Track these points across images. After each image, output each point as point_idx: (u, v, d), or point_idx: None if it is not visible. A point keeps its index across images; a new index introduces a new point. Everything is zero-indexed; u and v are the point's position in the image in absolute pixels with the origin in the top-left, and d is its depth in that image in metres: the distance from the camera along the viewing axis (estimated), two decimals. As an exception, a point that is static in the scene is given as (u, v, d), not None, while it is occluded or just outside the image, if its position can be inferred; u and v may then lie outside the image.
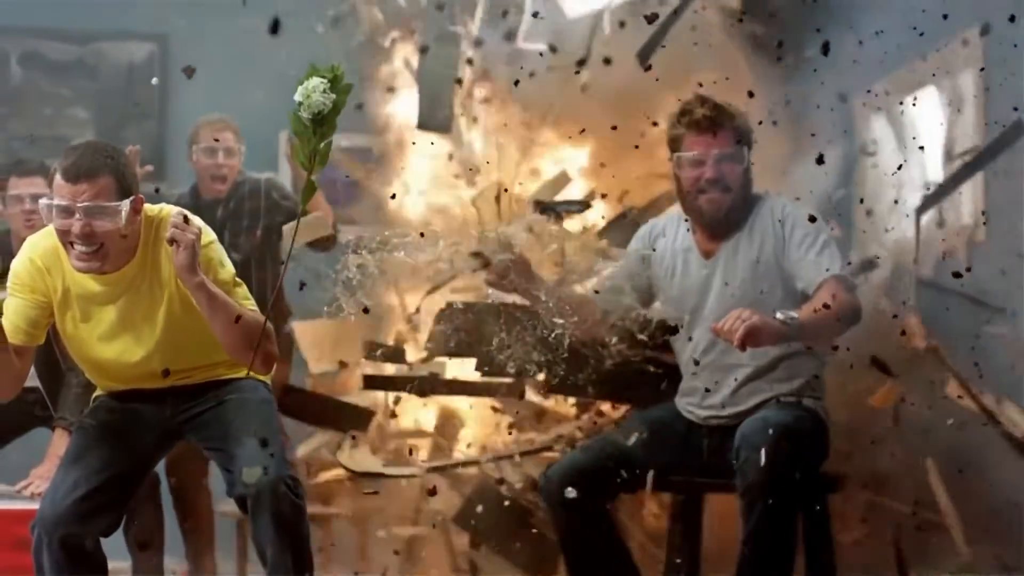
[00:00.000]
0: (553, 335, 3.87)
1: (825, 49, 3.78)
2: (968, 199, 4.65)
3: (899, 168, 4.52)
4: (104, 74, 6.22)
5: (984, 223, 4.56)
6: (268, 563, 3.39)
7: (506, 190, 4.64)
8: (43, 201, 3.40)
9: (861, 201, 4.80)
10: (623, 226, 4.60)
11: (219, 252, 3.48)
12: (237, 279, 3.51)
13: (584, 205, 4.77)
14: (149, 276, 3.47)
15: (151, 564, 4.51)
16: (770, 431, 3.69)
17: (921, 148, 4.68)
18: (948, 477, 4.30)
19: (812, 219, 3.87)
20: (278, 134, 5.95)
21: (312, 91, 3.13)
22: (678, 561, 4.03)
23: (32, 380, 4.66)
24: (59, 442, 4.44)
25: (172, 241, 3.33)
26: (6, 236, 4.78)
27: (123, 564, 4.38)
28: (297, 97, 3.15)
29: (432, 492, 4.02)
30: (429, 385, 4.49)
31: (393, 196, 5.14)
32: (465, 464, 4.65)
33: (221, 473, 3.50)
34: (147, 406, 3.59)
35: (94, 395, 3.71)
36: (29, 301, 3.49)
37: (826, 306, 3.66)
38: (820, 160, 3.94)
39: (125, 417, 3.59)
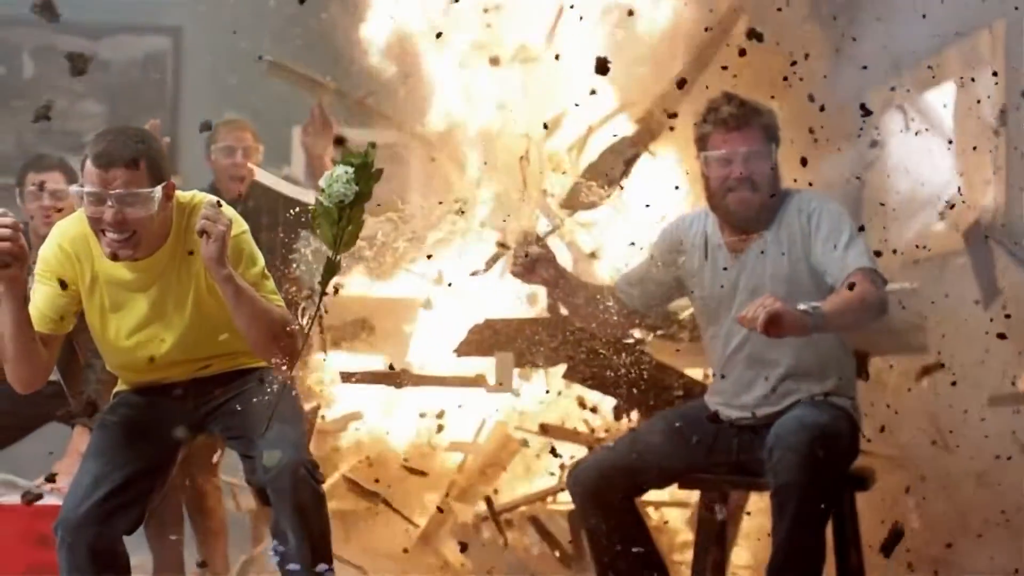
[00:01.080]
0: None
1: None
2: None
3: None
4: (117, 67, 6.20)
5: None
6: (286, 549, 3.32)
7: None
8: (74, 188, 3.35)
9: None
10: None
11: (250, 244, 3.43)
12: (266, 271, 3.45)
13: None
14: (179, 263, 3.41)
15: (172, 561, 4.50)
16: (805, 431, 3.65)
17: (949, 142, 4.65)
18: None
19: (839, 213, 3.83)
20: (292, 128, 5.94)
21: (335, 180, 3.10)
22: (705, 561, 3.99)
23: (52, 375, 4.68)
24: (80, 437, 4.43)
25: (202, 232, 3.27)
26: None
27: (143, 559, 4.36)
28: (321, 183, 3.13)
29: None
30: (405, 378, 4.52)
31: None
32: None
33: (242, 462, 3.46)
34: (168, 399, 3.53)
35: (114, 390, 3.65)
36: (57, 289, 3.42)
37: (850, 290, 3.62)
38: (803, 162, 3.93)
39: (146, 412, 3.53)
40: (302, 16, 5.41)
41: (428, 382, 4.60)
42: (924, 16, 4.36)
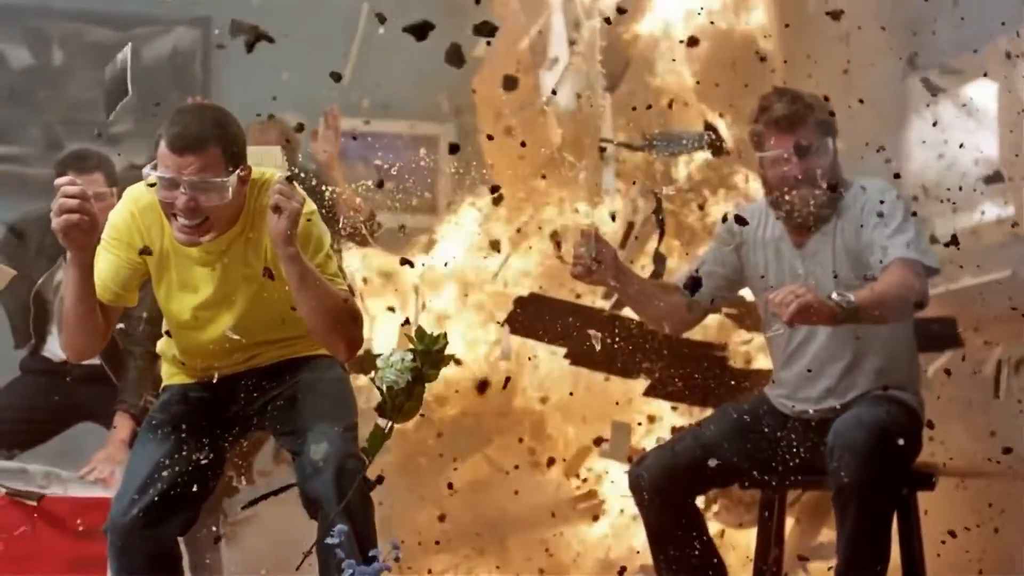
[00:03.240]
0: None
1: None
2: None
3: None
4: (146, 58, 6.16)
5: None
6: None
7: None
8: (146, 170, 3.22)
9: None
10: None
11: (318, 226, 3.32)
12: (330, 252, 3.35)
13: (703, 142, 4.66)
14: (247, 243, 3.31)
15: (210, 561, 4.49)
16: (864, 430, 3.63)
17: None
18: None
19: (892, 200, 3.79)
20: (317, 120, 5.90)
21: (390, 364, 3.04)
22: (765, 558, 3.97)
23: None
24: (121, 425, 4.43)
25: (275, 207, 3.16)
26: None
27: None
28: (378, 362, 3.07)
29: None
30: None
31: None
32: None
33: (293, 461, 3.35)
34: (218, 395, 3.43)
35: (162, 385, 3.55)
36: (123, 259, 3.32)
37: (882, 291, 3.60)
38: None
39: (195, 408, 3.43)
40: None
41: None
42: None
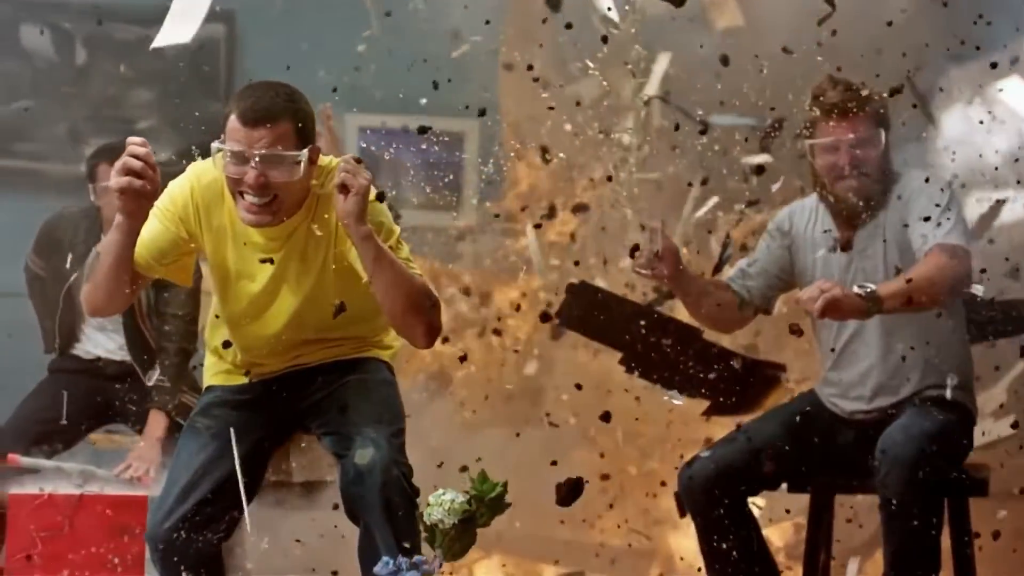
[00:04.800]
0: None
1: None
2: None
3: None
4: (170, 54, 6.14)
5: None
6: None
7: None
8: (215, 144, 3.15)
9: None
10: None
11: (385, 212, 3.23)
12: (401, 239, 3.25)
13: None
14: (309, 232, 3.23)
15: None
16: (913, 444, 3.60)
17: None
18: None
19: (935, 191, 3.75)
20: (343, 116, 5.89)
21: (440, 503, 2.91)
22: (815, 561, 3.95)
23: (112, 355, 4.67)
24: (155, 423, 4.43)
25: (343, 187, 3.07)
26: (94, 213, 4.72)
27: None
28: (430, 498, 2.96)
29: None
30: None
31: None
32: None
33: (337, 464, 3.28)
34: (261, 396, 3.37)
35: (205, 385, 3.48)
36: (168, 231, 3.25)
37: (908, 280, 3.55)
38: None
39: (238, 412, 3.36)
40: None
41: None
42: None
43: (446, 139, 5.66)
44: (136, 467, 4.35)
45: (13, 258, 4.86)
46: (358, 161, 3.11)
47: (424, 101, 5.34)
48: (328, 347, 3.38)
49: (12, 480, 4.19)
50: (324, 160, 3.24)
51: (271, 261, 3.23)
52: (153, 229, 3.23)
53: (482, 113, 4.20)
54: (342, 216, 3.09)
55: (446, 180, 5.68)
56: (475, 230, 5.58)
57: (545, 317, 4.43)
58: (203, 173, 3.25)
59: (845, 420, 3.88)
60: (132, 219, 3.12)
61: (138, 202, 3.09)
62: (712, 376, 4.12)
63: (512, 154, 5.39)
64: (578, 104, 4.72)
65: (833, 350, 3.89)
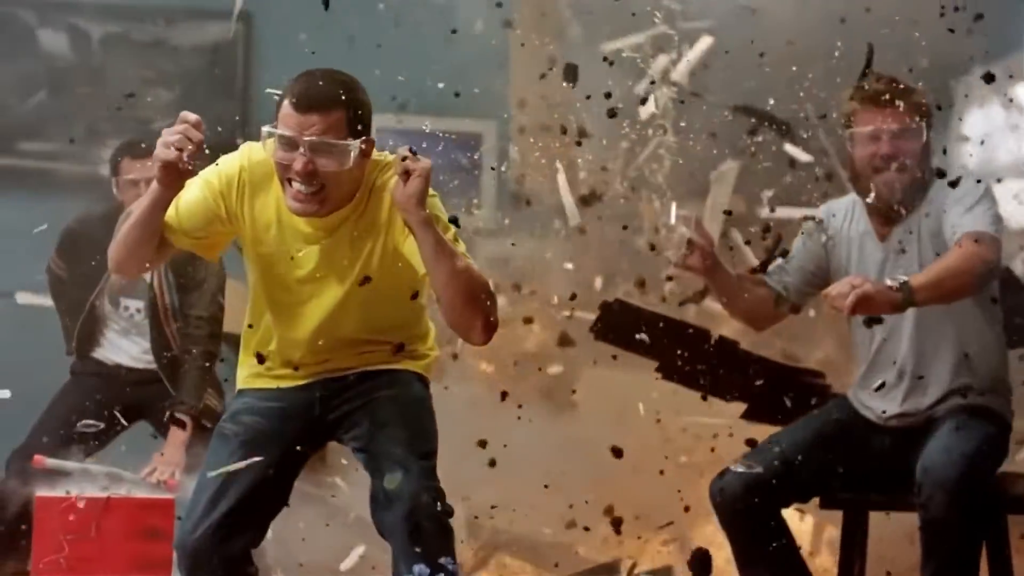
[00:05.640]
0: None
1: None
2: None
3: None
4: (187, 54, 6.16)
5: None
6: None
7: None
8: (266, 129, 3.10)
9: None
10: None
11: (442, 209, 3.17)
12: (458, 236, 3.17)
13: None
14: (355, 226, 3.16)
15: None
16: (954, 467, 3.56)
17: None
18: None
19: (972, 183, 3.72)
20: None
21: None
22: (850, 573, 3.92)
23: (136, 362, 4.68)
24: (179, 429, 4.42)
25: (404, 172, 3.00)
26: (115, 216, 4.73)
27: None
28: None
29: None
30: None
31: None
32: None
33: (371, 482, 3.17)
34: (293, 405, 3.29)
35: (237, 389, 3.40)
36: (206, 205, 3.17)
37: (938, 269, 3.52)
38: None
39: (269, 419, 3.27)
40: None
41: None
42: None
43: (464, 139, 5.67)
44: (161, 471, 4.36)
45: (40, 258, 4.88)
46: (414, 153, 3.05)
47: (443, 102, 5.38)
48: (363, 352, 3.30)
49: (40, 482, 4.21)
50: (379, 155, 3.19)
51: (315, 250, 3.19)
52: (192, 199, 3.18)
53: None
54: (402, 200, 3.02)
55: (462, 181, 5.68)
56: (494, 232, 5.58)
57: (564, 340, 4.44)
58: (255, 153, 3.19)
59: (878, 427, 3.85)
60: (167, 190, 3.08)
61: (175, 176, 3.04)
62: (750, 383, 4.12)
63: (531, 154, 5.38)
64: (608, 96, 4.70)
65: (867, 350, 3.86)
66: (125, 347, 4.71)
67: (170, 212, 3.16)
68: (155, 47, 6.14)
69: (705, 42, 4.91)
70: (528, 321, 5.06)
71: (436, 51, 5.20)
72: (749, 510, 3.76)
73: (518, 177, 5.51)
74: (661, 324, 4.22)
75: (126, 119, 5.97)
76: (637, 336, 4.15)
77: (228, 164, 3.20)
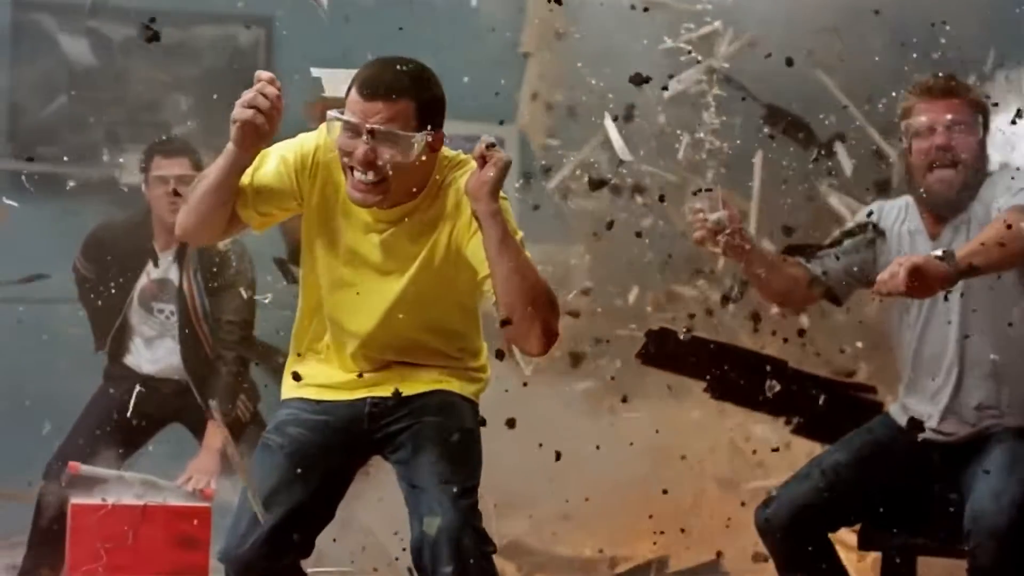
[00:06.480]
0: None
1: None
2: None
3: None
4: (207, 59, 6.15)
5: None
6: None
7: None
8: (331, 112, 3.01)
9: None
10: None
11: (511, 210, 3.06)
12: (524, 242, 3.04)
13: None
14: (422, 220, 3.07)
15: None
16: (1005, 514, 3.49)
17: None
18: None
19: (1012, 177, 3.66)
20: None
21: None
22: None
23: (168, 370, 4.67)
24: (212, 434, 4.42)
25: (481, 158, 2.91)
26: (140, 223, 4.74)
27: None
28: None
29: None
30: None
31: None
32: None
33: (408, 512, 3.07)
34: (341, 419, 3.18)
35: (283, 398, 3.28)
36: (280, 178, 3.09)
37: (981, 242, 3.43)
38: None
39: (315, 432, 3.16)
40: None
41: None
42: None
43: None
44: (197, 479, 4.35)
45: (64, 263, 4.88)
46: (493, 146, 2.96)
47: (466, 105, 5.36)
48: (418, 356, 3.20)
49: (76, 489, 4.20)
50: (450, 152, 3.11)
51: (376, 241, 3.11)
52: (267, 171, 3.10)
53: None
54: (475, 187, 2.92)
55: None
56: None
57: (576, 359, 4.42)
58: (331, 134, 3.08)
59: (923, 444, 3.77)
60: (242, 151, 2.99)
61: (254, 138, 2.97)
62: (802, 400, 4.08)
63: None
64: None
65: (907, 353, 3.81)
66: (159, 355, 4.71)
67: (244, 184, 3.08)
68: (176, 51, 6.12)
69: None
70: None
71: (458, 53, 5.18)
72: (797, 537, 3.69)
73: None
74: (709, 348, 4.18)
75: (145, 124, 5.97)
76: (683, 359, 4.13)
77: (305, 142, 3.13)
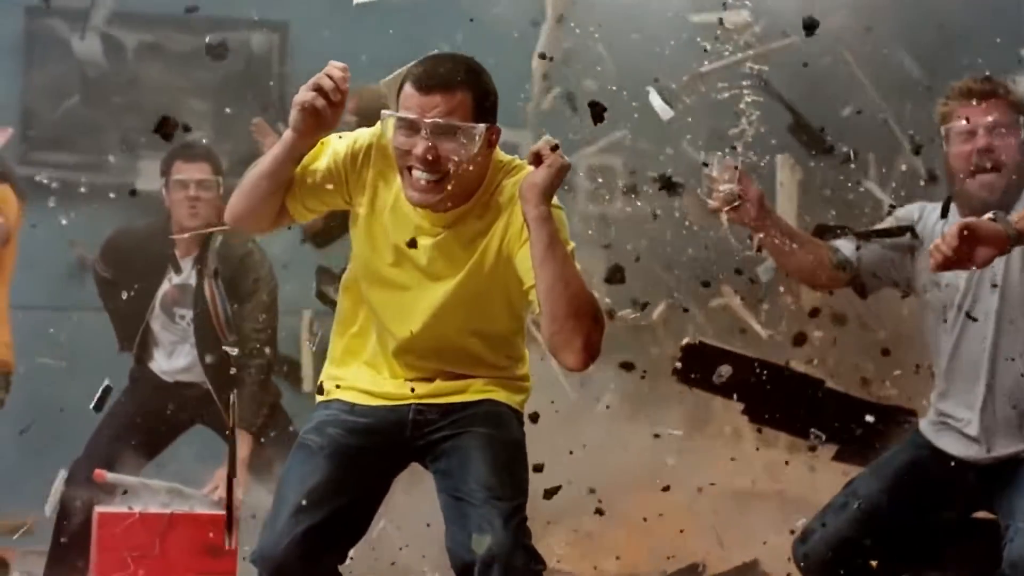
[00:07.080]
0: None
1: None
2: None
3: None
4: (222, 64, 6.11)
5: None
6: None
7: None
8: (386, 112, 2.93)
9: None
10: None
11: (565, 220, 2.98)
12: (574, 253, 2.96)
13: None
14: (475, 223, 2.99)
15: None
16: None
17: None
18: None
19: None
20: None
21: None
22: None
23: (189, 374, 4.65)
24: (240, 444, 4.38)
25: (536, 158, 2.86)
26: (166, 223, 4.72)
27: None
28: None
29: None
30: None
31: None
32: None
33: (445, 524, 2.98)
34: (383, 423, 3.09)
35: (320, 398, 3.20)
36: (328, 174, 3.02)
37: None
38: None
39: (356, 434, 3.08)
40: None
41: None
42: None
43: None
44: (223, 488, 4.31)
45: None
46: (554, 149, 2.90)
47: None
48: (463, 363, 3.12)
49: (101, 495, 4.17)
50: (505, 157, 3.04)
51: (428, 244, 3.03)
52: (317, 167, 3.02)
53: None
54: (527, 188, 2.87)
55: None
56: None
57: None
58: (386, 132, 3.00)
59: (958, 465, 3.66)
60: (301, 137, 2.94)
61: (314, 122, 2.91)
62: (838, 424, 3.99)
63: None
64: None
65: (941, 361, 3.72)
66: (182, 359, 4.69)
67: (299, 174, 3.03)
68: (190, 57, 6.10)
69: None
70: None
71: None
72: (838, 571, 3.61)
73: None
74: (745, 363, 4.08)
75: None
76: (721, 379, 4.04)
77: (359, 138, 3.04)
